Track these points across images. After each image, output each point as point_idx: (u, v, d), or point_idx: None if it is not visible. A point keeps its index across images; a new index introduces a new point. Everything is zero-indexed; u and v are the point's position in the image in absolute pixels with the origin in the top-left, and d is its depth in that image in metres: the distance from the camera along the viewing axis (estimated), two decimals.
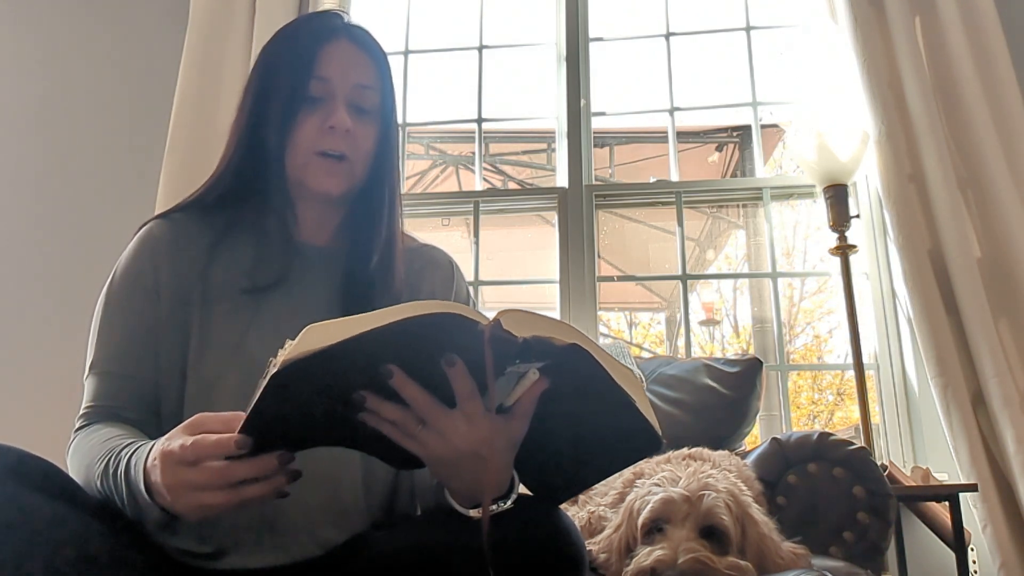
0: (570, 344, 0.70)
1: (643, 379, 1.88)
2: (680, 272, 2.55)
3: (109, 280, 1.06)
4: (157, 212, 2.27)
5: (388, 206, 1.08)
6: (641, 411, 0.75)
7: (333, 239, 1.11)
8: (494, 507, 0.80)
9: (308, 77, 1.03)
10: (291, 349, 0.67)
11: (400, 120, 1.16)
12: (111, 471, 0.84)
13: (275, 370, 0.67)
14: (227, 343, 1.00)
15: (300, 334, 0.68)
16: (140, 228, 1.08)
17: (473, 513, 0.80)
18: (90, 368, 1.02)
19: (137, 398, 1.00)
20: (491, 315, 0.71)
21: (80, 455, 0.93)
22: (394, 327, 0.67)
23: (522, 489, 0.86)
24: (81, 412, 1.01)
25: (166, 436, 0.79)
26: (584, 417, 0.79)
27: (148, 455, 0.79)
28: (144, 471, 0.78)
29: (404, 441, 0.76)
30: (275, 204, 1.06)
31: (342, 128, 1.02)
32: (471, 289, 1.21)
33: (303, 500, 0.94)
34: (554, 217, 2.56)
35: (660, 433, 0.77)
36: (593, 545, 1.25)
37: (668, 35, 2.73)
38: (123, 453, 0.84)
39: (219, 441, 0.73)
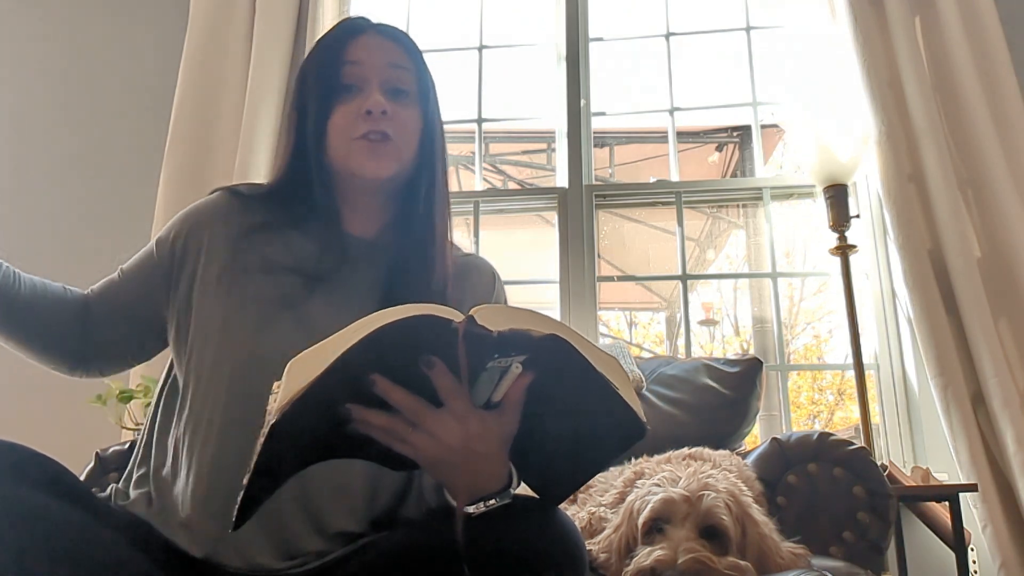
0: (548, 335, 0.71)
1: (643, 380, 1.88)
2: (680, 272, 2.55)
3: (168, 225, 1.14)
4: (157, 212, 2.30)
5: (427, 194, 1.08)
6: (624, 398, 0.75)
7: (381, 233, 1.11)
8: (492, 502, 0.80)
9: (340, 65, 1.04)
10: (281, 394, 0.67)
11: None
12: None
13: (274, 420, 0.67)
14: (262, 315, 1.00)
15: (285, 372, 0.68)
16: (211, 192, 1.14)
17: (471, 510, 0.80)
18: (119, 269, 1.14)
19: (106, 294, 1.12)
20: None
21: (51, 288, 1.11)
22: (370, 338, 0.67)
23: (524, 489, 0.86)
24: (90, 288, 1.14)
25: None
26: (574, 409, 0.79)
27: None
28: None
29: (396, 445, 0.76)
30: (323, 199, 1.07)
31: (378, 110, 1.02)
32: (507, 296, 1.20)
33: (308, 489, 0.95)
34: (554, 217, 2.56)
35: (644, 419, 0.77)
36: (593, 545, 1.26)
37: (668, 35, 2.73)
38: None
39: None
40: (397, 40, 1.10)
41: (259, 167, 2.27)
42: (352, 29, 1.09)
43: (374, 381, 0.71)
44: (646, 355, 3.55)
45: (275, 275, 1.03)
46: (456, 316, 0.69)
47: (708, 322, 7.38)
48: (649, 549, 1.14)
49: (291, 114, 1.10)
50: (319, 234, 1.06)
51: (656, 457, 1.41)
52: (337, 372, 0.68)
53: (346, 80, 1.04)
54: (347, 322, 0.69)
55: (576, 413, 0.80)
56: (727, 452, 1.45)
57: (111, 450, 1.66)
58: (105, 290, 1.12)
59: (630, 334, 7.99)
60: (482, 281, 1.15)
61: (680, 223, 2.54)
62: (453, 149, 5.59)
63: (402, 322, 0.68)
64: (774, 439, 1.49)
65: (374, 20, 1.12)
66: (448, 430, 0.74)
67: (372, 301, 1.03)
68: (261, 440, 0.69)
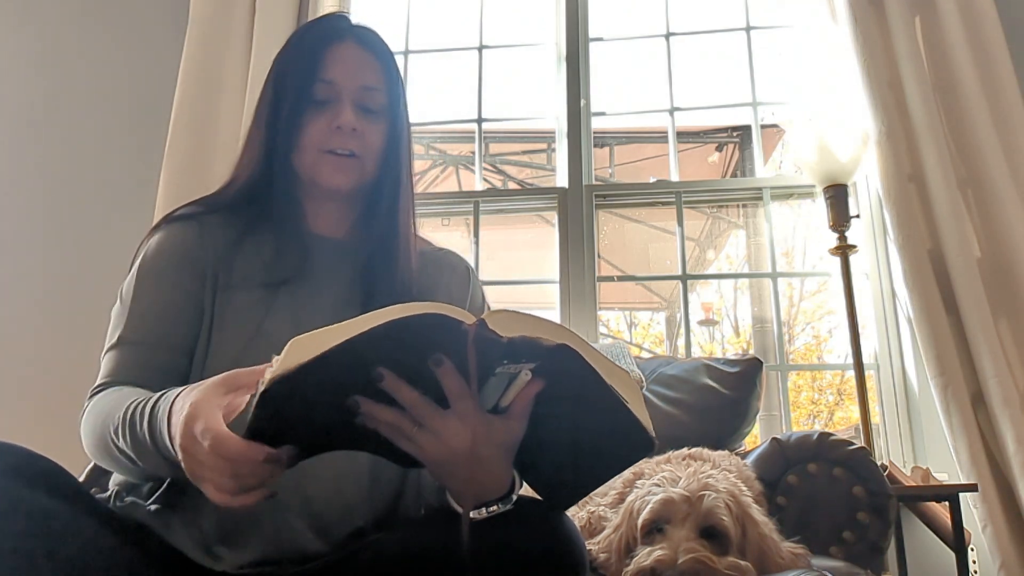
0: (559, 344, 0.70)
1: (643, 380, 1.88)
2: (680, 272, 2.55)
3: (138, 262, 1.07)
4: (157, 212, 2.30)
5: (391, 200, 1.10)
6: (633, 412, 0.75)
7: (350, 233, 1.13)
8: (494, 508, 0.80)
9: (314, 80, 1.05)
10: (277, 365, 0.68)
11: None
12: (134, 415, 0.85)
13: (263, 387, 0.67)
14: (243, 332, 1.01)
15: (285, 348, 0.68)
16: (160, 224, 1.09)
17: (473, 514, 0.80)
18: (117, 341, 1.02)
19: (160, 370, 0.99)
20: None
21: (100, 407, 0.93)
22: (379, 330, 0.67)
23: (526, 490, 0.86)
24: (97, 384, 1.01)
25: (197, 386, 0.78)
26: (582, 418, 0.79)
27: (175, 399, 0.79)
28: (169, 414, 0.79)
29: (401, 442, 0.76)
30: (290, 203, 1.09)
31: (348, 127, 1.05)
32: (486, 293, 1.21)
33: (307, 490, 0.95)
34: (554, 217, 2.56)
35: (653, 435, 0.77)
36: (593, 545, 1.25)
37: (668, 35, 2.73)
38: (151, 400, 0.84)
39: (244, 450, 0.71)
40: (375, 53, 1.10)
41: None
42: (330, 36, 1.09)
43: (382, 375, 0.71)
44: (646, 355, 3.56)
45: (254, 286, 1.04)
46: (468, 318, 0.69)
47: (708, 322, 7.39)
48: (649, 549, 1.14)
49: (262, 113, 1.10)
50: (288, 238, 1.07)
51: (656, 457, 1.41)
52: (343, 359, 0.68)
53: (319, 96, 1.06)
54: (329, 323, 0.69)
55: (583, 423, 0.79)
56: (727, 452, 1.45)
57: None
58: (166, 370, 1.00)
59: (630, 334, 8.00)
60: (456, 278, 1.17)
61: (680, 223, 2.54)
62: (453, 149, 5.59)
63: (414, 319, 0.68)
64: (774, 439, 1.49)
65: (353, 21, 1.12)
66: (453, 432, 0.74)
67: (350, 301, 1.06)
68: (252, 409, 0.69)
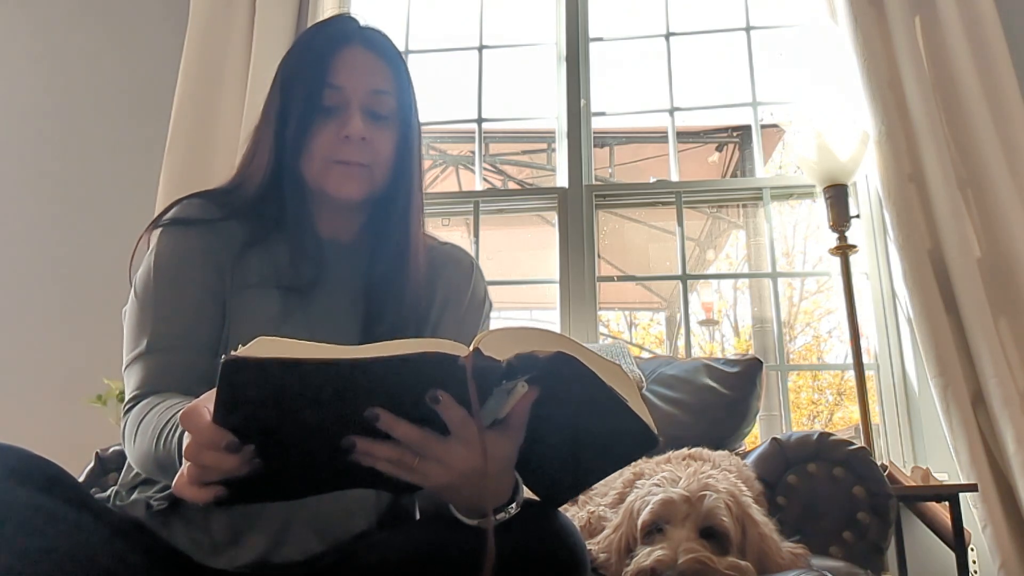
0: (555, 353, 0.70)
1: (643, 380, 1.88)
2: (680, 272, 2.55)
3: (153, 266, 1.03)
4: (157, 211, 2.29)
5: (404, 207, 1.08)
6: (634, 410, 0.74)
7: (357, 237, 1.11)
8: (502, 515, 0.80)
9: (322, 87, 1.03)
10: (242, 349, 0.66)
11: None
12: (171, 432, 0.83)
13: (226, 357, 0.65)
14: (260, 334, 0.99)
15: (251, 342, 0.67)
16: (169, 225, 1.06)
17: (480, 523, 0.79)
18: (146, 348, 0.99)
19: (194, 373, 0.97)
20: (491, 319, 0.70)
21: (148, 420, 0.90)
22: (371, 370, 0.66)
23: (525, 492, 0.86)
24: (131, 396, 0.98)
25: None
26: (580, 418, 0.79)
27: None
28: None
29: (404, 475, 0.74)
30: (298, 209, 1.06)
31: (357, 137, 1.02)
32: (488, 289, 1.19)
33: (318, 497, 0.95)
34: (554, 217, 2.56)
35: (656, 431, 0.77)
36: (593, 545, 1.26)
37: (668, 35, 2.74)
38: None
39: (208, 426, 0.69)
40: (384, 56, 1.07)
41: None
42: (337, 40, 1.06)
43: (377, 415, 0.70)
44: (646, 355, 3.56)
45: (267, 289, 1.03)
46: (461, 350, 0.67)
47: (708, 322, 7.37)
48: (649, 549, 1.14)
49: (271, 120, 1.07)
50: (301, 244, 1.06)
51: (656, 457, 1.41)
52: (325, 382, 0.66)
53: (327, 103, 1.03)
54: (334, 331, 0.68)
55: (583, 422, 0.79)
56: (726, 452, 1.45)
57: (111, 450, 1.66)
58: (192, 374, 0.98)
59: (630, 334, 7.99)
60: (459, 271, 1.15)
61: (680, 223, 2.54)
62: (453, 149, 5.59)
63: (404, 358, 0.66)
64: (774, 439, 1.49)
65: (361, 23, 1.09)
66: (459, 457, 0.73)
67: (355, 309, 1.05)
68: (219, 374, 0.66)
